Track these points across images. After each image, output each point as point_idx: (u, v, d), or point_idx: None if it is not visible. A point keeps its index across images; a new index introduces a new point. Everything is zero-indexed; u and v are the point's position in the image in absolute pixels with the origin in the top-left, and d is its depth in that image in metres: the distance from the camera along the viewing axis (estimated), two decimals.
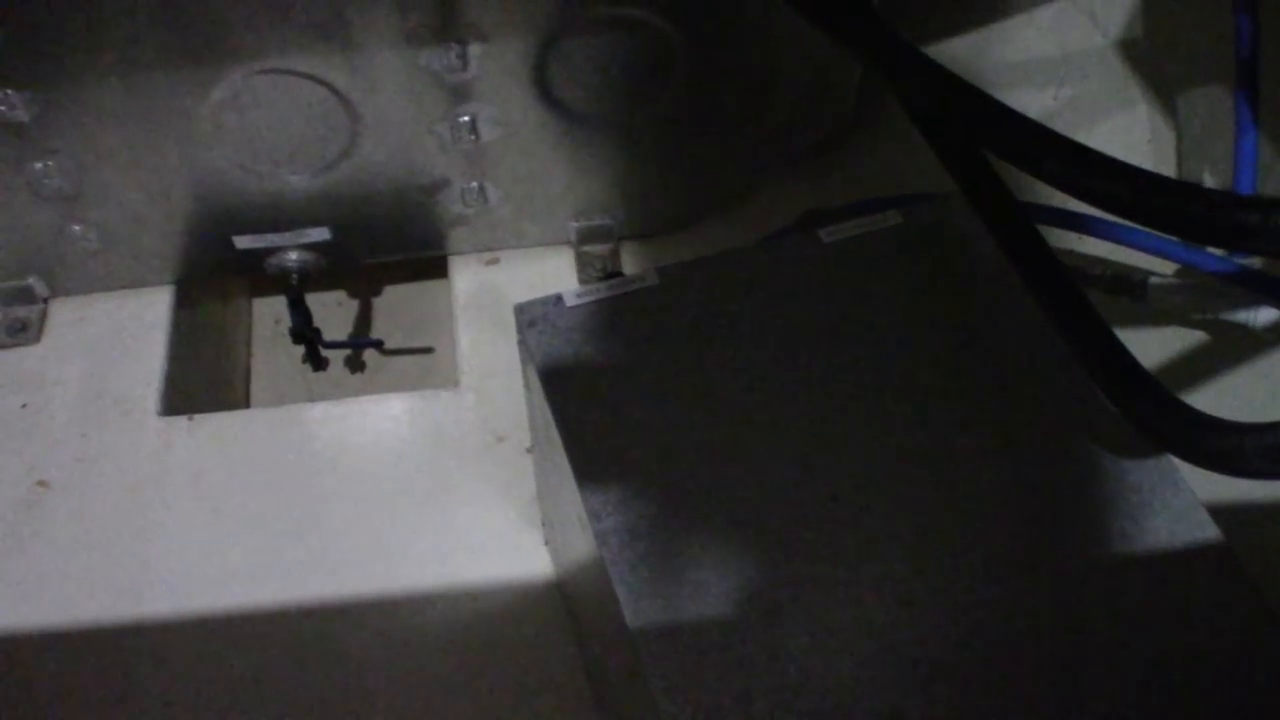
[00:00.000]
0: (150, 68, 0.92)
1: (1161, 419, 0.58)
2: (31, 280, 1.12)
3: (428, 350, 1.29)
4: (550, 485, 0.78)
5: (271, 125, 0.98)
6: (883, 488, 0.61)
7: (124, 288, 1.14)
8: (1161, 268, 0.88)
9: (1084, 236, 0.90)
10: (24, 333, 1.13)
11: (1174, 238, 0.77)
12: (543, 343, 0.68)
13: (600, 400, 0.65)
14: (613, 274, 0.72)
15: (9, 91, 0.93)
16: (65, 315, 1.14)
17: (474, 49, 0.94)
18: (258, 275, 1.15)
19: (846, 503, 0.61)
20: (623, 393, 0.65)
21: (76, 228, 1.06)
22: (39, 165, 0.99)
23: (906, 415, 0.64)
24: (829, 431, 0.64)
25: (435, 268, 1.24)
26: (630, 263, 1.16)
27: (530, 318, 0.69)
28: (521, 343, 0.70)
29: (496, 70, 0.96)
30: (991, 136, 0.60)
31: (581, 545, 0.66)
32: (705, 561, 0.59)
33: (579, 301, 0.70)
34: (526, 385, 0.74)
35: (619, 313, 0.69)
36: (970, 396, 0.65)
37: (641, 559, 0.59)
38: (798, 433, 0.64)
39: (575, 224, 1.14)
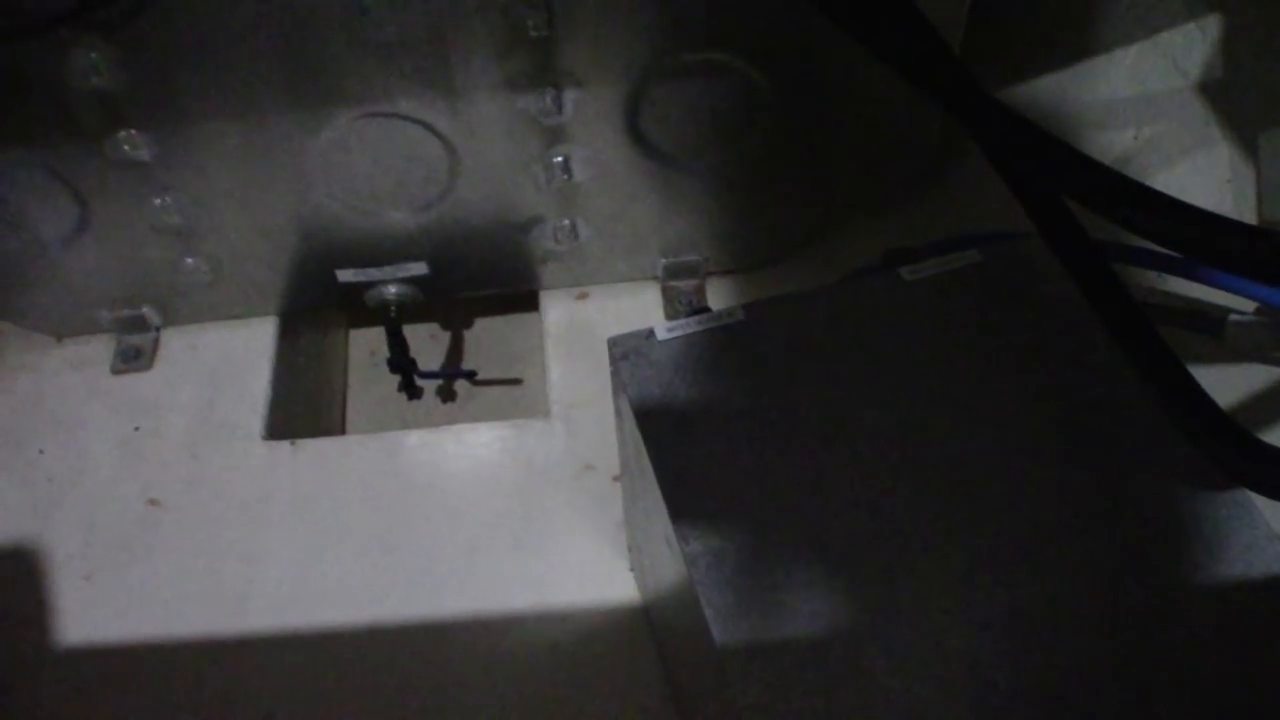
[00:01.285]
0: (266, 111, 0.97)
1: (1236, 453, 0.60)
2: (146, 310, 1.18)
3: (516, 381, 1.33)
4: (639, 511, 0.81)
5: (376, 165, 1.03)
6: (962, 516, 0.63)
7: (232, 318, 1.20)
8: (1240, 305, 0.89)
9: (1164, 275, 0.91)
10: (138, 359, 1.19)
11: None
12: (635, 374, 0.71)
13: (690, 429, 0.68)
14: (700, 309, 0.75)
15: (133, 132, 0.99)
16: (176, 343, 1.20)
17: (569, 94, 0.99)
18: (356, 307, 1.20)
19: (927, 530, 0.63)
20: (711, 422, 0.68)
21: (190, 261, 1.12)
22: (157, 201, 1.05)
23: (986, 448, 0.66)
24: (911, 463, 0.66)
25: (525, 302, 1.28)
26: (716, 298, 1.19)
27: (623, 350, 0.72)
28: (614, 374, 0.73)
29: (590, 113, 1.01)
30: (1065, 181, 0.62)
31: (670, 568, 0.68)
32: (790, 584, 0.61)
33: (670, 335, 0.73)
34: (618, 415, 0.78)
35: (708, 346, 0.72)
36: (1047, 430, 0.67)
37: (728, 581, 0.61)
38: (881, 464, 0.66)
39: (663, 260, 1.17)
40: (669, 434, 0.68)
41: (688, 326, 0.73)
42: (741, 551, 0.62)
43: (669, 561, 0.68)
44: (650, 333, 0.73)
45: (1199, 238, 0.54)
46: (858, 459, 0.66)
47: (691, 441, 0.67)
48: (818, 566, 0.62)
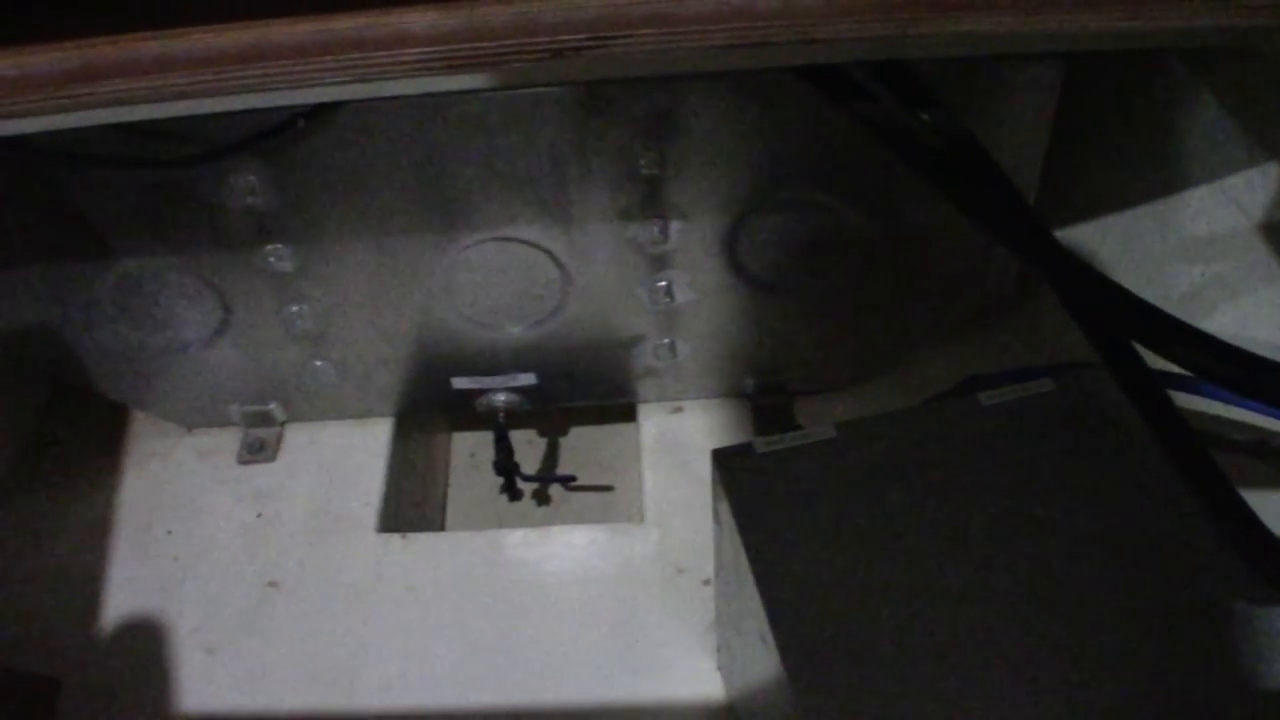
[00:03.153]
0: (400, 232, 1.07)
1: None
2: (272, 406, 1.28)
3: (608, 488, 1.40)
4: (733, 611, 0.88)
5: (496, 284, 1.12)
6: (1034, 626, 0.69)
7: (351, 417, 1.29)
8: None
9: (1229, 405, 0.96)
10: (262, 451, 1.28)
11: None
12: (736, 483, 0.78)
13: (786, 536, 0.75)
14: (793, 426, 0.82)
15: (279, 246, 1.08)
16: (299, 438, 1.29)
17: (674, 225, 1.07)
18: (461, 412, 1.27)
19: (1002, 636, 0.69)
20: (806, 530, 0.75)
21: (318, 363, 1.22)
22: (294, 309, 1.15)
23: (1056, 562, 0.72)
24: (986, 574, 0.72)
25: (619, 412, 1.36)
26: (802, 415, 1.25)
27: (726, 461, 0.80)
28: (716, 482, 0.80)
29: (693, 243, 1.09)
30: (1126, 324, 0.69)
31: (764, 664, 0.75)
32: (877, 679, 0.67)
33: (768, 449, 0.80)
34: (717, 520, 0.84)
35: (803, 460, 0.79)
36: (1112, 546, 0.73)
37: (820, 673, 0.68)
38: (959, 574, 0.72)
39: (753, 379, 1.25)
40: (766, 539, 0.75)
41: (784, 442, 0.80)
42: (832, 649, 0.69)
43: (763, 658, 0.74)
44: (750, 445, 0.81)
45: (1244, 377, 0.60)
46: (940, 568, 0.73)
47: (787, 547, 0.74)
48: (903, 663, 0.68)
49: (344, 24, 0.60)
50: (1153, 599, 0.70)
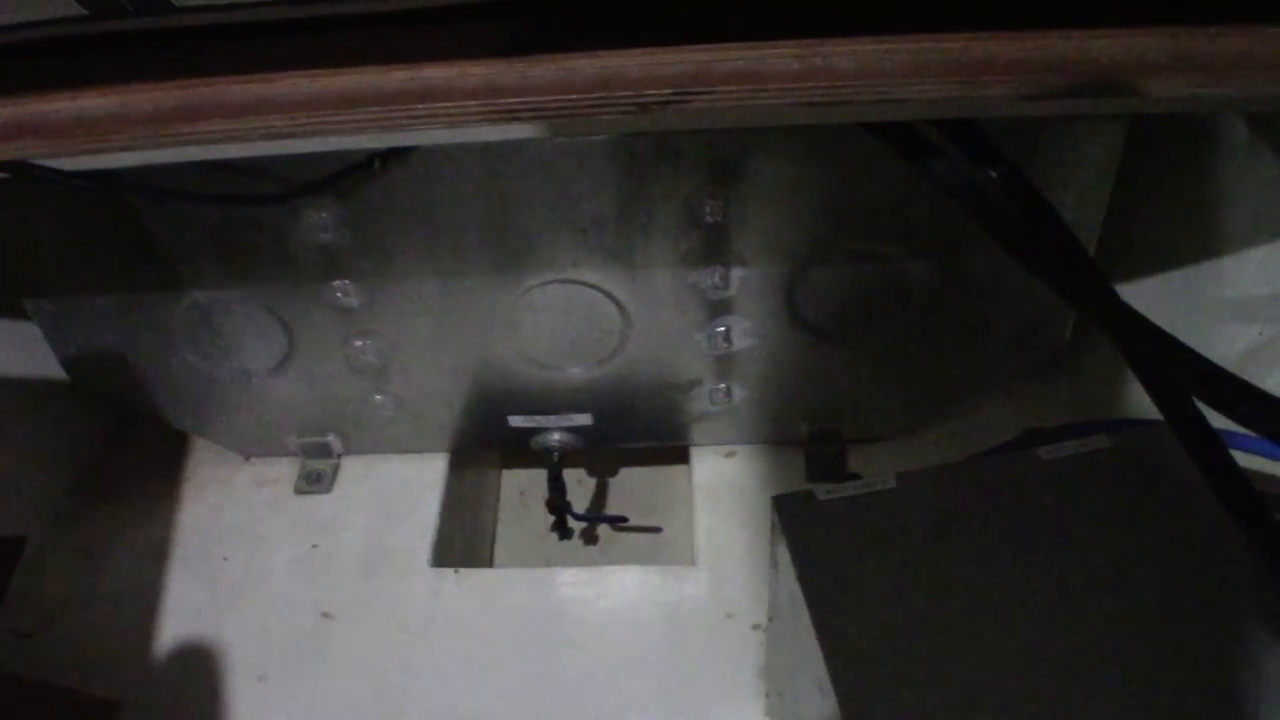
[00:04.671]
0: (467, 273, 1.09)
1: None
2: (330, 438, 1.30)
3: (657, 530, 1.41)
4: (787, 658, 0.88)
5: (557, 325, 1.14)
6: (1092, 684, 0.69)
7: (407, 451, 1.31)
8: None
9: None
10: (319, 482, 1.31)
11: None
12: (796, 529, 0.79)
13: (846, 583, 0.76)
14: (847, 474, 0.83)
15: (347, 282, 1.11)
16: (355, 471, 1.31)
17: (735, 271, 1.09)
18: (513, 450, 1.29)
19: (1060, 692, 0.69)
20: (864, 577, 0.76)
21: (378, 397, 1.24)
22: (358, 343, 1.17)
23: (1115, 618, 0.72)
24: (1041, 624, 0.72)
25: (670, 454, 1.37)
26: (855, 463, 1.26)
27: (786, 507, 0.81)
28: (775, 528, 0.81)
29: (753, 290, 1.10)
30: (1188, 380, 0.70)
31: (820, 710, 0.75)
32: None
33: (828, 497, 0.81)
34: (774, 564, 0.85)
35: (863, 509, 0.80)
36: (1174, 605, 0.73)
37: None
38: (1015, 623, 0.72)
39: (808, 426, 1.25)
40: (826, 586, 0.76)
41: (845, 490, 0.81)
42: (891, 699, 0.69)
43: (819, 706, 0.75)
44: (811, 493, 0.81)
45: None
46: (999, 622, 0.73)
47: (847, 595, 0.75)
48: (959, 715, 0.68)
49: (437, 73, 0.62)
50: (1213, 660, 0.70)
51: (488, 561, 1.41)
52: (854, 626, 0.73)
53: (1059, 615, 0.73)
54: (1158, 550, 0.76)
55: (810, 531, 0.79)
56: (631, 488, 1.46)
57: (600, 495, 1.45)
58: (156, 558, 1.24)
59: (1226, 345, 1.19)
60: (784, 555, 0.80)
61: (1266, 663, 0.69)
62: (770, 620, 0.94)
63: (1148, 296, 1.25)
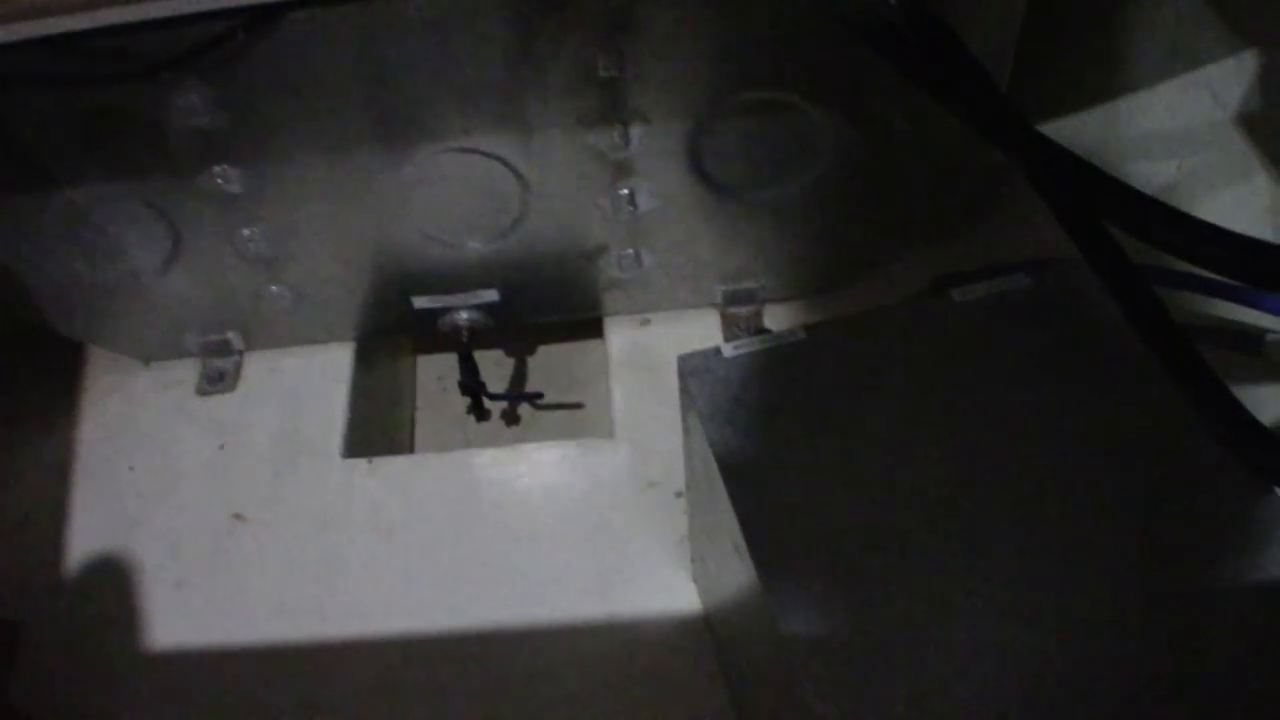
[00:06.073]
0: (352, 148, 1.03)
1: (1268, 456, 0.64)
2: (230, 335, 1.25)
3: (579, 405, 1.38)
4: (705, 522, 0.86)
5: (453, 197, 1.09)
6: (1011, 522, 0.67)
7: (311, 343, 1.26)
8: (1278, 325, 0.92)
9: (1210, 298, 0.95)
10: (222, 381, 1.26)
11: None
12: (703, 389, 0.76)
13: (756, 440, 0.73)
14: (761, 331, 0.80)
15: (227, 167, 1.05)
16: (258, 367, 1.26)
17: (635, 130, 1.04)
18: (426, 334, 1.25)
19: (980, 535, 0.67)
20: (776, 434, 0.73)
21: (274, 288, 1.18)
22: (245, 232, 1.11)
23: (1034, 459, 0.70)
24: (962, 472, 0.70)
25: (587, 328, 1.34)
26: (773, 323, 1.23)
27: (692, 367, 0.77)
28: (683, 390, 0.78)
29: (655, 149, 1.06)
30: (1106, 207, 0.67)
31: (737, 571, 0.73)
32: (851, 583, 0.66)
33: (735, 353, 0.78)
34: (686, 429, 0.82)
35: (772, 364, 0.77)
36: (1092, 442, 0.71)
37: (794, 579, 0.66)
38: (934, 472, 0.70)
39: (722, 287, 1.22)
40: (737, 445, 0.73)
41: (752, 345, 0.78)
42: (806, 552, 0.67)
43: (737, 567, 0.73)
44: (717, 351, 0.78)
45: (1229, 256, 0.58)
46: (914, 468, 0.71)
47: (758, 452, 0.72)
48: (879, 568, 0.66)
49: None
50: (1136, 491, 0.68)
51: (408, 449, 1.38)
52: (767, 485, 0.71)
53: (976, 459, 0.71)
54: (1077, 387, 0.74)
55: (718, 390, 0.76)
56: (551, 365, 1.42)
57: (519, 375, 1.41)
58: (58, 473, 1.19)
59: (1144, 182, 1.17)
60: (693, 417, 0.77)
61: (1195, 494, 0.68)
62: (688, 486, 0.92)
63: (1062, 137, 1.22)
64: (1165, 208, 0.63)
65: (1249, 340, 0.92)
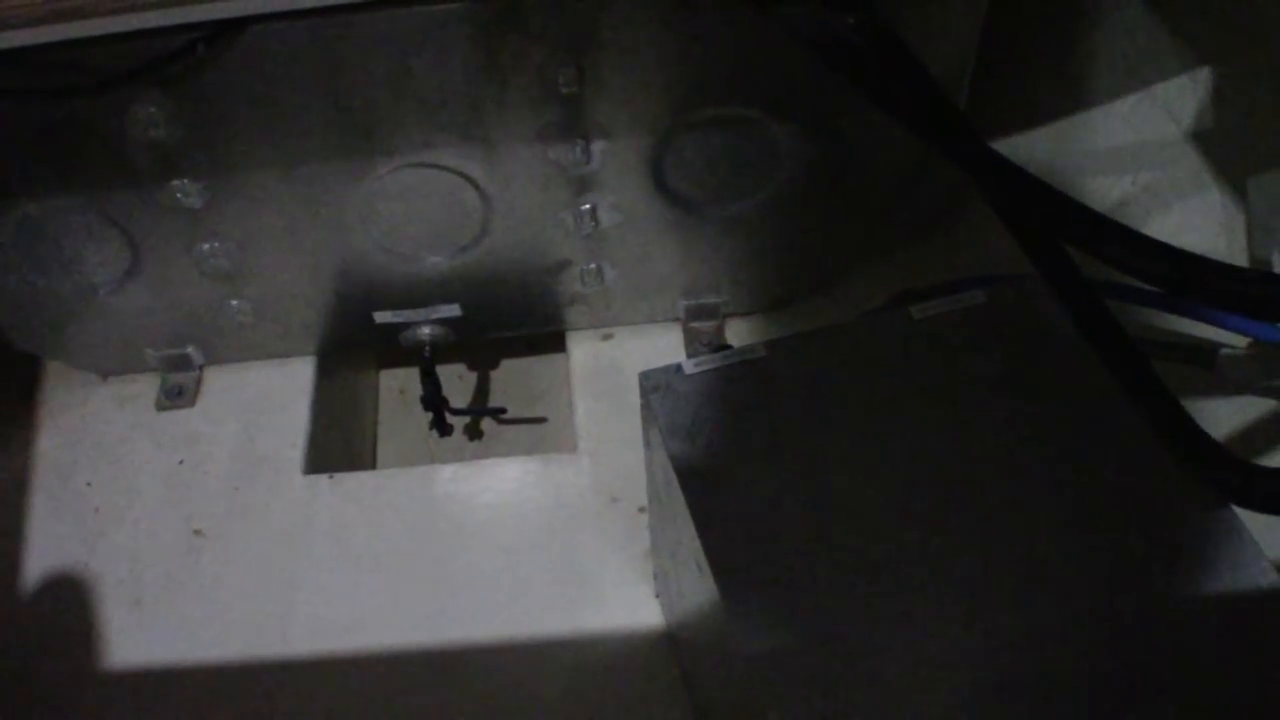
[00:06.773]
0: (312, 162, 1.03)
1: (1223, 473, 0.65)
2: (190, 349, 1.24)
3: (541, 420, 1.38)
4: (667, 537, 0.86)
5: (415, 212, 1.09)
6: (969, 537, 0.68)
7: (272, 357, 1.25)
8: (1231, 340, 0.93)
9: (1164, 313, 0.96)
10: (181, 396, 1.24)
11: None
12: (665, 406, 0.76)
13: (717, 456, 0.73)
14: (723, 346, 0.80)
15: (186, 181, 1.04)
16: (219, 382, 1.25)
17: (597, 145, 1.04)
18: (389, 348, 1.24)
19: (938, 550, 0.67)
20: (737, 450, 0.73)
21: (234, 303, 1.17)
22: (205, 246, 1.10)
23: (990, 473, 0.71)
24: (920, 486, 0.71)
25: (550, 342, 1.34)
26: (735, 337, 1.24)
27: (654, 383, 0.78)
28: (645, 406, 0.78)
29: (616, 164, 1.06)
30: (1058, 225, 0.68)
31: (698, 587, 0.73)
32: (811, 598, 0.66)
33: (697, 370, 0.78)
34: (648, 445, 0.83)
35: (732, 380, 0.77)
36: (1048, 456, 0.71)
37: (754, 594, 0.66)
38: (893, 487, 0.71)
39: (684, 302, 1.22)
40: (698, 460, 0.73)
41: (714, 361, 0.78)
42: (767, 567, 0.67)
43: (698, 582, 0.73)
44: (679, 367, 0.78)
45: (1176, 274, 0.59)
46: (874, 483, 0.71)
47: (719, 468, 0.73)
48: (838, 582, 0.67)
49: None
50: (1092, 504, 0.69)
51: (370, 465, 1.37)
52: (727, 501, 0.71)
53: (934, 475, 0.71)
54: (1033, 403, 0.75)
55: (679, 406, 0.76)
56: (513, 379, 1.42)
57: (482, 389, 1.41)
58: (14, 489, 1.18)
59: (1099, 197, 1.19)
60: (654, 433, 0.77)
61: (1152, 511, 0.68)
62: (650, 501, 0.92)
63: (1018, 154, 1.23)
64: (1117, 225, 0.64)
65: (1202, 354, 0.93)
